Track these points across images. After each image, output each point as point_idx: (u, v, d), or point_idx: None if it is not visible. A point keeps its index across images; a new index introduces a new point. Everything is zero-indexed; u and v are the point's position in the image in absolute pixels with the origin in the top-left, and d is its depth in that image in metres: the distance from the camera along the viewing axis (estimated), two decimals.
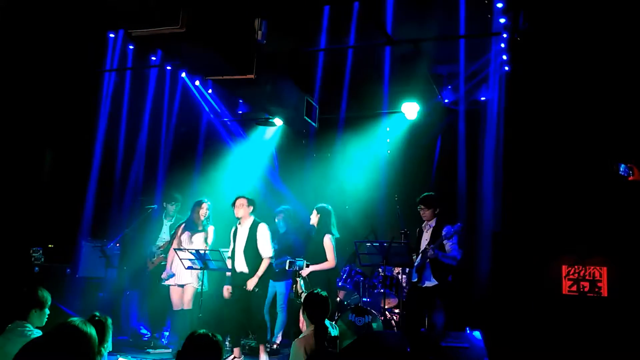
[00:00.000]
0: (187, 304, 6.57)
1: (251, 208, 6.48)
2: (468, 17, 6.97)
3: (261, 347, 6.27)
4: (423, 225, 6.28)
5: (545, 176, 7.01)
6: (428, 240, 6.08)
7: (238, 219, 6.43)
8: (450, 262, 5.89)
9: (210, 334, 2.95)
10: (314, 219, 6.62)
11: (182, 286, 6.63)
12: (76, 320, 2.80)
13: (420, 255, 6.09)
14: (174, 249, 6.51)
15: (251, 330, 6.78)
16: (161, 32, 4.74)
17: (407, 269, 6.59)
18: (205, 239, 6.71)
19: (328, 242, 6.49)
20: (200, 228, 6.74)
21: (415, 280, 6.15)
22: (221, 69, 5.69)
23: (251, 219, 6.45)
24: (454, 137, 7.83)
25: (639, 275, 6.20)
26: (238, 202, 6.47)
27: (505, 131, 7.37)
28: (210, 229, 6.80)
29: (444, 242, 5.92)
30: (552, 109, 6.99)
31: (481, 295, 6.93)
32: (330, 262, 6.46)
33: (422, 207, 6.18)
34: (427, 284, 6.04)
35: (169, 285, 6.69)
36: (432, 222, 6.16)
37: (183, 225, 6.84)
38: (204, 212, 6.74)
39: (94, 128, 8.29)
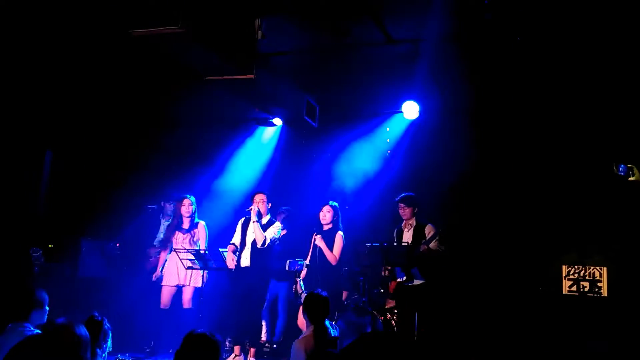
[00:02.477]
0: (187, 304, 6.59)
1: (269, 205, 6.49)
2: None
3: (251, 350, 6.26)
4: (402, 225, 6.37)
5: (546, 176, 7.00)
6: (411, 239, 6.17)
7: (248, 212, 6.40)
8: (436, 260, 5.97)
9: (208, 333, 2.93)
10: (328, 215, 6.63)
11: (178, 287, 6.64)
12: (65, 320, 2.78)
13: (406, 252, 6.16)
14: (174, 250, 6.52)
15: (246, 330, 6.77)
16: (161, 32, 4.75)
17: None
18: (194, 239, 6.68)
19: (339, 239, 6.54)
20: (186, 227, 6.73)
21: (403, 279, 6.22)
22: (221, 69, 5.70)
23: (268, 216, 6.46)
24: (453, 137, 7.82)
25: (639, 275, 6.20)
26: (258, 197, 6.46)
27: (505, 131, 7.37)
28: (200, 226, 6.77)
29: (428, 238, 6.00)
30: (552, 108, 6.98)
31: (481, 295, 6.92)
32: (334, 257, 6.48)
33: (403, 205, 6.31)
34: (416, 282, 6.10)
35: (162, 285, 6.72)
36: (412, 222, 6.27)
37: (169, 225, 6.83)
38: (185, 208, 6.72)
39: (93, 128, 8.28)
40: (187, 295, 6.62)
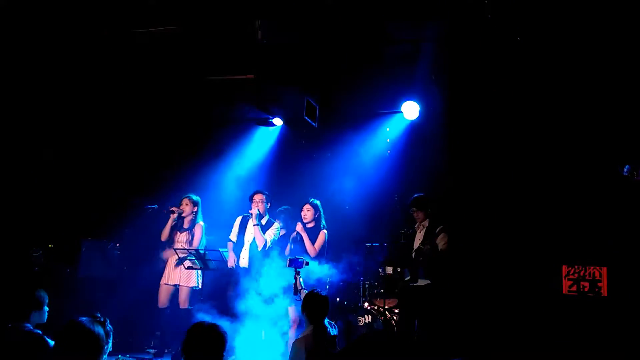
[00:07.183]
0: (183, 304, 6.57)
1: (269, 205, 6.47)
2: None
3: None
4: (416, 226, 6.31)
5: (546, 176, 7.01)
6: (421, 240, 6.11)
7: (248, 211, 6.38)
8: (442, 260, 5.94)
9: (215, 325, 2.94)
10: (309, 214, 6.56)
11: (174, 286, 6.62)
12: (84, 319, 2.82)
13: (414, 254, 6.12)
14: (174, 249, 6.52)
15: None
16: (161, 32, 4.76)
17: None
18: (191, 240, 6.66)
19: (322, 236, 6.48)
20: (186, 225, 6.72)
21: (408, 278, 6.20)
22: (221, 69, 5.71)
23: (266, 217, 6.44)
24: (454, 137, 7.82)
25: (639, 275, 6.20)
26: (257, 197, 6.43)
27: (505, 131, 7.37)
28: (197, 227, 6.74)
29: (437, 240, 5.96)
30: (553, 109, 6.98)
31: (481, 295, 6.92)
32: (314, 249, 6.39)
33: (415, 209, 6.22)
34: (420, 282, 6.08)
35: (160, 284, 6.72)
36: (426, 223, 6.19)
37: (174, 225, 6.81)
38: (184, 207, 6.69)
39: (93, 128, 8.28)
40: (182, 296, 6.60)
